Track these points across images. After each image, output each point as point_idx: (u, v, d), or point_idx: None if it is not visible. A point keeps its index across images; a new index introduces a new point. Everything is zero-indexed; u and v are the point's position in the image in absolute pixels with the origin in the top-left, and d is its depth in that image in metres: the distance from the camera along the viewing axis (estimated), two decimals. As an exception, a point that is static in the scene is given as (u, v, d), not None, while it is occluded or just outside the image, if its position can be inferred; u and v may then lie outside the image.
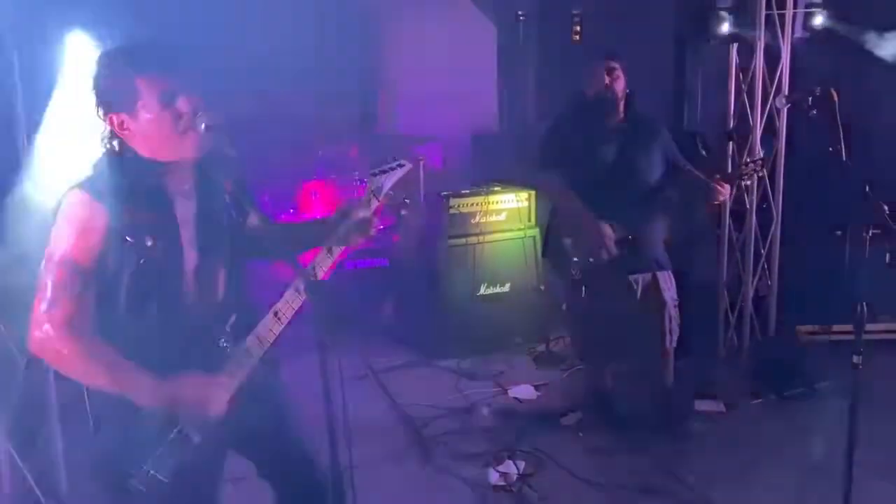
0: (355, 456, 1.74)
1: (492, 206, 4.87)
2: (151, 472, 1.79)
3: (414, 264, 5.26)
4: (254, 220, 2.09)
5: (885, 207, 2.42)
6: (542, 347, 4.75)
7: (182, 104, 1.75)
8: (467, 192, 4.92)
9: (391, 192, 2.10)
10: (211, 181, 1.94)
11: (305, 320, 1.71)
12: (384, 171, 2.04)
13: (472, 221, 4.82)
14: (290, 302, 1.91)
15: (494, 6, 7.06)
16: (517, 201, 4.93)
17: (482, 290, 4.82)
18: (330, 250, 2.00)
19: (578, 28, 7.36)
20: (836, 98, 2.65)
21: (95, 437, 1.79)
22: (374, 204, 2.04)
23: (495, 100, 7.18)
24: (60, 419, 3.10)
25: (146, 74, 1.73)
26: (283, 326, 1.92)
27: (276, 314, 1.91)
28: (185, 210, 1.87)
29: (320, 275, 1.96)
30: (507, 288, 4.88)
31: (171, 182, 1.84)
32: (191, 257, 1.88)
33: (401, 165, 2.06)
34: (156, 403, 1.73)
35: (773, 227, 4.49)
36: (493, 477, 3.32)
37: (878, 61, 4.09)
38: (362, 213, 2.02)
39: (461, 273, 4.76)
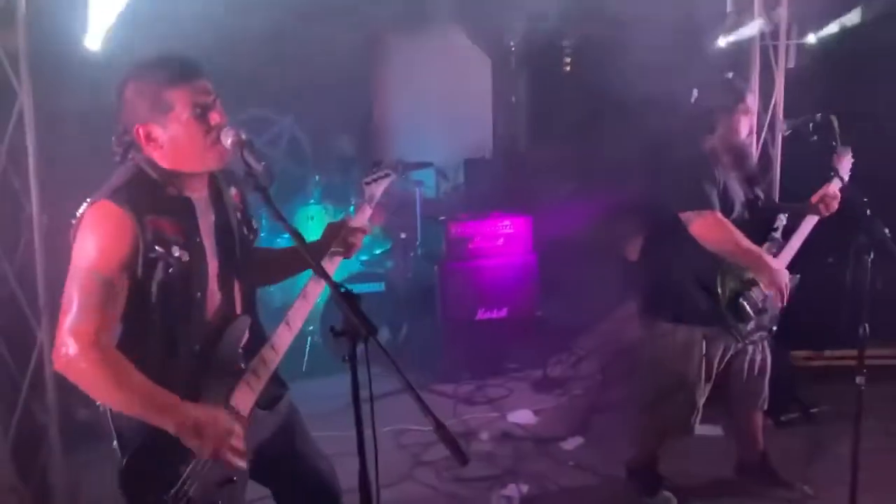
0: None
1: (489, 231, 4.90)
2: (181, 493, 1.76)
3: (411, 289, 5.28)
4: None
5: (886, 230, 2.48)
6: (539, 372, 4.75)
7: (213, 117, 1.77)
8: (465, 216, 4.95)
9: (382, 200, 2.33)
10: (225, 195, 1.96)
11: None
12: (375, 181, 2.26)
13: (470, 246, 4.85)
14: (299, 310, 1.92)
15: (488, 39, 7.20)
16: (515, 226, 4.96)
17: (479, 315, 4.83)
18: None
19: (569, 59, 7.53)
20: (835, 124, 2.73)
21: (122, 459, 1.75)
22: (368, 211, 2.21)
23: (490, 127, 7.28)
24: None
25: (181, 87, 1.74)
26: (293, 335, 1.93)
27: (287, 323, 1.92)
28: (205, 221, 1.89)
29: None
30: (504, 313, 4.90)
31: (192, 193, 1.86)
32: (213, 267, 1.89)
33: (387, 175, 2.29)
34: (180, 432, 1.70)
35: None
36: (497, 501, 3.30)
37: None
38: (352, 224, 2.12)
39: (459, 298, 4.78)
